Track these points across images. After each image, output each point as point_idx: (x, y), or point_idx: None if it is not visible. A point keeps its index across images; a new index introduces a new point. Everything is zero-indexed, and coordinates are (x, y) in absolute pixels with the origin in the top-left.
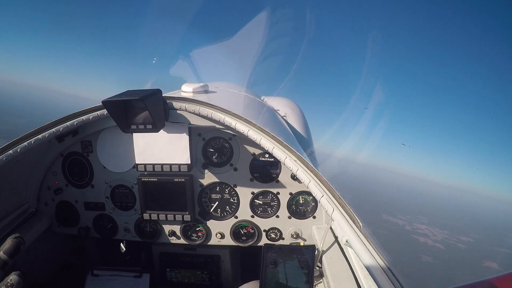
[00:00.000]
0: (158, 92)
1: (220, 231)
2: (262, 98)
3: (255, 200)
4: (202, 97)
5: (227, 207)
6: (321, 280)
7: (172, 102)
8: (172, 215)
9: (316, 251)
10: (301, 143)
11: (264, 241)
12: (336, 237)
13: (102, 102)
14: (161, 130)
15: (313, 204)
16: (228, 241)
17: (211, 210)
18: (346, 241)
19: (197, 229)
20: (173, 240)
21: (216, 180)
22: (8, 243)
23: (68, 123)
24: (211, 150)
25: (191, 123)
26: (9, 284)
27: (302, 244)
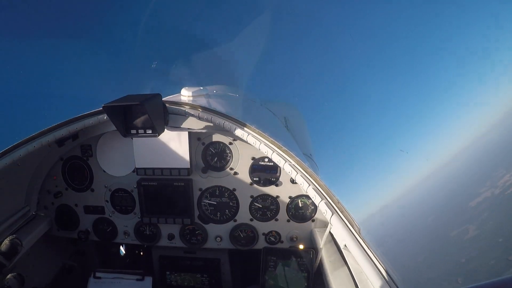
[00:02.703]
0: (157, 96)
1: (219, 235)
2: (261, 102)
3: (255, 204)
4: (201, 101)
5: (227, 210)
6: (320, 283)
7: (172, 106)
8: (172, 219)
9: (316, 255)
10: (301, 146)
11: (263, 244)
12: (335, 241)
13: (103, 107)
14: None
15: (312, 207)
16: (227, 244)
17: (210, 214)
18: (345, 246)
19: (196, 232)
20: (173, 243)
21: (216, 184)
22: (5, 244)
23: (68, 128)
24: (210, 154)
25: (191, 127)
26: (5, 286)
27: (301, 247)
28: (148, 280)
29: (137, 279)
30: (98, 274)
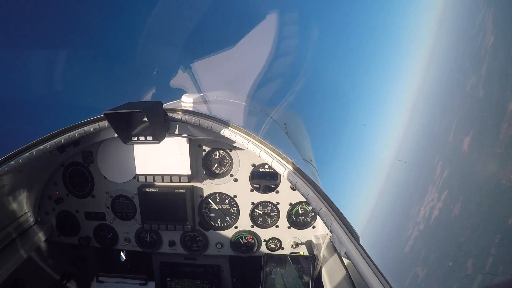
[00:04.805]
0: (158, 104)
1: (220, 241)
2: (262, 108)
3: (255, 210)
4: (202, 108)
5: (227, 217)
6: None
7: (173, 114)
8: (173, 225)
9: (316, 261)
10: (301, 152)
11: (264, 251)
12: (335, 248)
13: (104, 113)
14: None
15: (312, 214)
16: (228, 251)
17: (211, 221)
18: (345, 253)
19: (197, 239)
20: (173, 250)
21: (216, 190)
22: None
23: (69, 134)
24: (211, 161)
25: (191, 134)
26: None
27: (301, 254)
28: (151, 285)
29: (140, 284)
30: (100, 278)
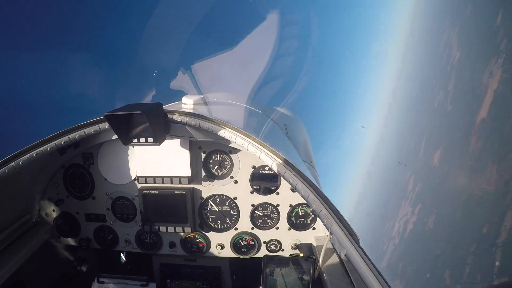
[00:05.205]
0: (159, 105)
1: (220, 243)
2: (262, 109)
3: (255, 212)
4: (202, 110)
5: (227, 219)
6: None
7: (173, 116)
8: (173, 227)
9: (316, 263)
10: (302, 154)
11: (264, 252)
12: (335, 249)
13: (105, 115)
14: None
15: (312, 216)
16: (228, 252)
17: (211, 222)
18: (345, 255)
19: (197, 240)
20: (174, 251)
21: (217, 192)
22: None
23: (69, 136)
24: (211, 162)
25: (192, 136)
26: None
27: (301, 255)
28: (152, 286)
29: (141, 285)
30: (101, 279)
